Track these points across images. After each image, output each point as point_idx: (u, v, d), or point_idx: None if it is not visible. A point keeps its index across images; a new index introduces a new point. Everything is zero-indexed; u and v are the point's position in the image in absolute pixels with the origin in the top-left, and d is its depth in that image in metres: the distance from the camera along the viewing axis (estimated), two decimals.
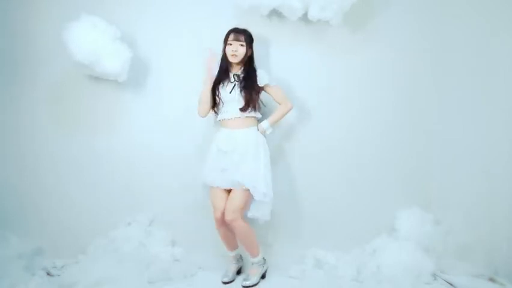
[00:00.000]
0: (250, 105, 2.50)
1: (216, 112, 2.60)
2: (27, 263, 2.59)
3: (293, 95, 2.79)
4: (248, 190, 2.43)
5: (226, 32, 2.53)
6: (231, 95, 2.50)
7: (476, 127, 2.72)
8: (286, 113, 2.64)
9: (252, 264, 2.57)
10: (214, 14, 2.77)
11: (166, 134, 2.84)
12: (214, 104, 2.57)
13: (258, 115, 2.59)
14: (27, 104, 2.84)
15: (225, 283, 2.53)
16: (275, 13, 2.72)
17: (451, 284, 2.50)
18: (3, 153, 2.84)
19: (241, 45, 2.50)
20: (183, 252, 2.76)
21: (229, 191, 2.50)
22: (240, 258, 2.69)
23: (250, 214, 2.54)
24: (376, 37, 2.81)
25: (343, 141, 2.85)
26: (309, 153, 2.85)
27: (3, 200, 2.82)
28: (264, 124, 2.57)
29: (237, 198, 2.44)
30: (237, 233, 2.50)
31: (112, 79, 2.68)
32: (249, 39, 2.54)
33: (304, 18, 2.66)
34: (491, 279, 2.53)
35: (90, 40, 2.50)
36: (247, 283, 2.49)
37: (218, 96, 2.53)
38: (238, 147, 2.46)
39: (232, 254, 2.63)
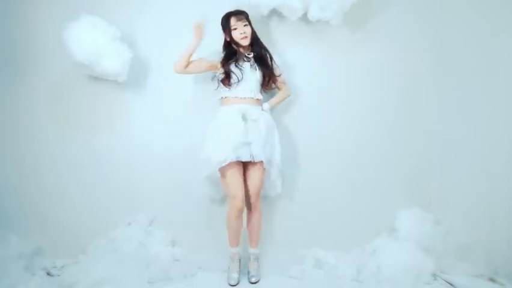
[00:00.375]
0: (269, 82, 2.56)
1: (226, 87, 2.50)
2: (27, 263, 2.59)
3: (293, 95, 2.79)
4: (264, 168, 2.44)
5: (222, 19, 2.52)
6: (250, 73, 2.51)
7: (476, 127, 2.72)
8: (285, 99, 2.70)
9: (252, 257, 2.58)
10: (214, 14, 2.76)
11: (166, 134, 2.84)
12: (226, 79, 2.48)
13: (261, 97, 2.60)
14: (27, 104, 2.84)
15: (234, 286, 2.47)
16: (275, 13, 2.72)
17: (451, 284, 2.50)
18: (3, 153, 2.83)
19: (245, 25, 2.50)
20: (183, 252, 2.75)
21: (242, 176, 2.45)
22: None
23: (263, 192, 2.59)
24: (376, 37, 2.81)
25: (343, 141, 2.85)
26: (309, 153, 2.85)
27: (3, 200, 2.81)
28: (265, 106, 2.58)
29: (259, 176, 2.46)
30: (257, 214, 2.53)
31: (112, 79, 2.68)
32: (248, 17, 2.55)
33: (304, 18, 2.66)
34: (491, 279, 2.53)
35: (90, 40, 2.49)
36: (255, 279, 2.49)
37: (235, 72, 2.47)
38: (259, 119, 2.45)
39: (236, 250, 2.57)
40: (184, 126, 2.83)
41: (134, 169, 2.85)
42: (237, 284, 2.49)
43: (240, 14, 2.51)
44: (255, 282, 2.49)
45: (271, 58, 2.59)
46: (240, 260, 2.60)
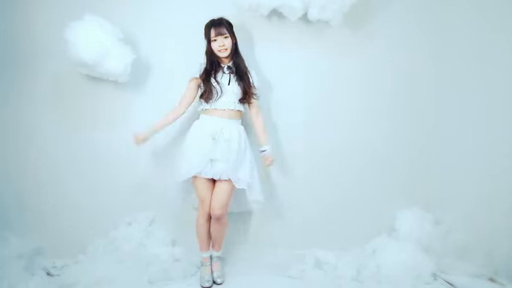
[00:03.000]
0: (248, 96, 2.51)
1: (205, 101, 2.50)
2: (27, 263, 2.58)
3: (292, 95, 2.79)
4: (230, 182, 2.42)
5: (204, 27, 2.50)
6: (230, 86, 2.50)
7: (476, 127, 2.72)
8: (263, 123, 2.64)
9: (217, 258, 2.60)
10: (214, 14, 2.76)
11: (166, 134, 2.84)
12: (205, 94, 2.47)
13: (243, 109, 2.58)
14: (28, 104, 2.83)
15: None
16: (275, 13, 2.72)
17: (451, 284, 2.50)
18: (3, 153, 2.83)
19: (226, 37, 2.48)
20: (183, 252, 2.75)
21: (212, 183, 2.48)
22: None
23: (242, 208, 2.62)
24: (376, 37, 2.81)
25: (343, 142, 2.85)
26: (308, 153, 2.85)
27: (3, 200, 2.81)
28: (269, 150, 2.56)
29: (225, 192, 2.45)
30: (221, 227, 2.52)
31: (113, 79, 2.68)
32: (230, 28, 2.51)
33: (304, 18, 2.66)
34: (491, 279, 2.53)
35: (98, 40, 2.49)
36: (221, 280, 2.53)
37: (215, 87, 2.46)
38: (233, 138, 2.45)
39: (207, 254, 2.59)
40: (184, 126, 2.82)
41: (135, 169, 2.85)
42: (211, 286, 2.50)
43: (220, 26, 2.47)
44: (220, 283, 2.51)
45: (248, 74, 2.56)
46: (211, 264, 2.60)
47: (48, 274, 2.59)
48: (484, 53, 2.69)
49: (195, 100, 2.60)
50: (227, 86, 2.49)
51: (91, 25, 2.52)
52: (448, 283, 2.51)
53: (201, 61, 2.57)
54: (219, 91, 2.47)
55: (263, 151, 2.58)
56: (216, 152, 2.42)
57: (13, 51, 2.81)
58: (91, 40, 2.48)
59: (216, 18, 2.52)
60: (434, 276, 2.57)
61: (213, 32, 2.47)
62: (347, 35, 2.80)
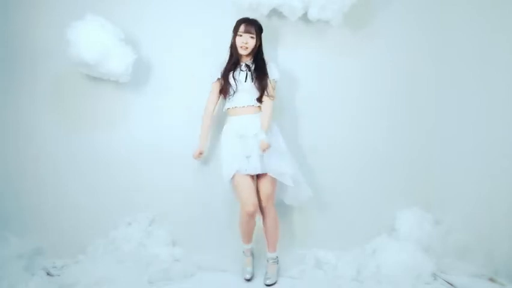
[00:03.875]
0: (265, 94, 2.53)
1: (224, 98, 2.59)
2: (27, 263, 2.59)
3: (293, 95, 2.79)
4: (274, 178, 2.45)
5: (236, 21, 2.54)
6: (246, 84, 2.52)
7: (476, 127, 2.72)
8: (271, 114, 2.60)
9: (270, 260, 2.58)
10: (214, 14, 2.77)
11: (166, 134, 2.84)
12: (223, 90, 2.56)
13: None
14: (28, 104, 2.84)
15: (249, 280, 2.52)
16: (275, 13, 2.72)
17: (451, 284, 2.50)
18: (3, 153, 2.83)
19: (252, 37, 2.51)
20: (183, 252, 2.75)
21: (253, 182, 2.50)
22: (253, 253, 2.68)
23: (287, 201, 2.64)
24: (376, 37, 2.81)
25: (343, 142, 2.85)
26: (308, 153, 2.85)
27: (3, 200, 2.81)
28: (262, 135, 2.46)
29: (269, 183, 2.48)
30: (270, 220, 2.54)
31: (113, 79, 2.68)
32: (259, 30, 2.55)
33: (304, 18, 2.66)
34: (491, 279, 2.53)
35: (100, 40, 2.50)
36: (270, 281, 2.50)
37: (231, 85, 2.52)
38: (260, 132, 2.46)
39: (249, 246, 2.63)
40: (184, 126, 2.82)
41: (135, 169, 2.85)
42: (251, 278, 2.54)
43: (251, 25, 2.51)
44: (270, 285, 2.50)
45: (267, 73, 2.56)
46: (253, 255, 2.65)
47: (48, 274, 2.59)
48: (484, 53, 2.69)
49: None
50: (243, 83, 2.53)
51: (93, 25, 2.52)
52: (448, 283, 2.51)
53: (221, 60, 2.59)
54: (234, 88, 2.51)
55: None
56: (247, 148, 2.46)
57: (13, 51, 2.81)
58: (93, 40, 2.48)
59: (250, 18, 2.55)
60: (434, 276, 2.57)
61: (242, 28, 2.51)
62: (347, 35, 2.80)
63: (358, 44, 2.82)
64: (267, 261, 2.60)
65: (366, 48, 2.82)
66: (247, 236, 2.60)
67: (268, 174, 2.46)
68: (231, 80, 2.53)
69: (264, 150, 2.42)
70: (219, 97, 2.64)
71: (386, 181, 2.85)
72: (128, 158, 2.84)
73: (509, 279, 2.47)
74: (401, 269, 2.51)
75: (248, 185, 2.47)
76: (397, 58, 2.82)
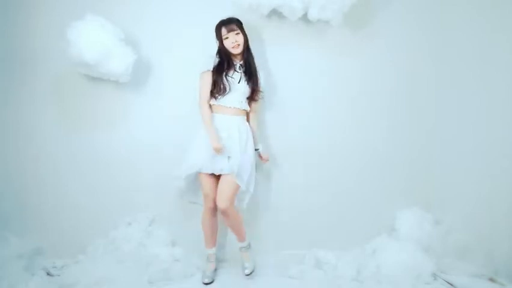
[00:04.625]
0: (253, 95, 2.56)
1: (214, 97, 2.53)
2: (27, 263, 2.59)
3: (293, 95, 2.79)
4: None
5: (214, 28, 2.53)
6: (239, 85, 2.53)
7: (476, 127, 2.72)
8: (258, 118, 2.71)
9: (242, 248, 2.60)
10: (214, 14, 2.76)
11: (166, 134, 2.84)
12: (215, 89, 2.51)
13: (248, 108, 2.61)
14: (28, 104, 2.83)
15: (207, 284, 2.51)
16: (275, 13, 2.72)
17: (451, 284, 2.50)
18: (3, 153, 2.83)
19: (237, 33, 2.51)
20: (183, 252, 2.75)
21: (217, 178, 2.51)
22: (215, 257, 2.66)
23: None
24: (376, 37, 2.81)
25: (343, 141, 2.85)
26: (308, 153, 2.85)
27: (3, 200, 2.81)
28: (261, 149, 2.66)
29: (230, 185, 2.46)
30: (230, 220, 2.52)
31: (114, 79, 2.68)
32: (240, 24, 2.55)
33: (304, 18, 2.66)
34: (491, 279, 2.53)
35: (100, 40, 2.49)
36: (248, 271, 2.53)
37: (224, 83, 2.50)
38: (234, 134, 2.48)
39: (212, 251, 2.63)
40: (184, 126, 2.82)
41: (135, 169, 2.85)
42: (211, 282, 2.53)
43: (231, 23, 2.51)
44: (249, 274, 2.52)
45: (257, 72, 2.59)
46: (215, 261, 2.64)
47: (48, 274, 2.59)
48: (484, 53, 2.69)
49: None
50: (237, 84, 2.53)
51: (93, 25, 2.52)
52: (448, 283, 2.51)
53: (212, 54, 2.58)
54: (227, 88, 2.50)
55: (257, 149, 2.64)
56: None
57: (13, 51, 2.81)
58: (93, 40, 2.48)
59: (224, 18, 2.55)
60: (434, 276, 2.57)
61: (224, 30, 2.50)
62: (347, 35, 2.80)
63: (358, 44, 2.82)
64: (240, 250, 2.61)
65: (366, 48, 2.82)
66: (210, 236, 2.60)
67: (231, 175, 2.44)
68: (225, 80, 2.51)
69: (265, 162, 2.65)
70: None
71: (386, 181, 2.85)
72: (128, 158, 2.84)
73: (509, 279, 2.47)
74: (401, 269, 2.51)
75: (210, 181, 2.50)
76: (397, 58, 2.82)
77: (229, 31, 2.50)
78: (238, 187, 2.49)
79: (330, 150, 2.85)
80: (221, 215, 2.54)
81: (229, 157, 2.46)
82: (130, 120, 2.86)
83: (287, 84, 2.81)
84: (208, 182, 2.50)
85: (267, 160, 2.69)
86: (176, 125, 2.84)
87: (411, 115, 2.84)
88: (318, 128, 2.85)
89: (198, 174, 2.52)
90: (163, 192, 2.84)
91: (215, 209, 2.55)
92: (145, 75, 2.84)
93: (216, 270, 2.63)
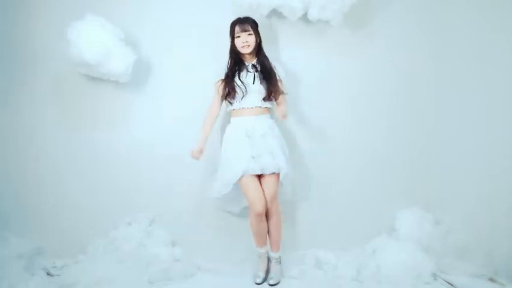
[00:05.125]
0: (272, 95, 2.52)
1: (230, 102, 2.54)
2: (27, 263, 2.59)
3: (293, 95, 2.79)
4: (277, 174, 2.46)
5: (229, 25, 2.52)
6: (254, 85, 2.51)
7: (476, 127, 2.72)
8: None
9: (274, 259, 2.59)
10: (214, 14, 2.77)
11: (166, 134, 2.84)
12: (229, 94, 2.50)
13: (270, 105, 2.60)
14: (28, 104, 2.84)
15: (259, 284, 2.51)
16: (275, 13, 2.72)
17: (451, 284, 2.49)
18: (3, 153, 2.83)
19: (250, 34, 2.50)
20: (183, 252, 2.75)
21: (259, 182, 2.49)
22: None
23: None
24: (376, 37, 2.81)
25: (343, 142, 2.85)
26: (308, 153, 2.85)
27: (3, 200, 2.81)
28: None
29: (274, 183, 2.47)
30: (275, 220, 2.53)
31: (113, 79, 2.68)
32: (255, 26, 2.54)
33: (304, 18, 2.66)
34: (491, 279, 2.52)
35: (100, 40, 2.50)
36: (273, 281, 2.51)
37: (239, 86, 2.48)
38: (266, 132, 2.48)
39: (264, 250, 2.60)
40: (184, 126, 2.82)
41: (135, 169, 2.85)
42: (262, 282, 2.52)
43: (246, 23, 2.49)
44: (273, 285, 2.50)
45: (274, 72, 2.56)
46: (268, 260, 2.62)
47: (48, 274, 2.59)
48: (484, 53, 2.69)
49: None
50: (252, 85, 2.51)
51: (93, 25, 2.52)
52: (448, 283, 2.51)
53: (226, 62, 2.57)
54: (244, 91, 2.49)
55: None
56: (254, 148, 2.44)
57: (13, 51, 2.81)
58: (93, 40, 2.48)
59: (241, 17, 2.54)
60: (434, 276, 2.56)
61: (237, 29, 2.49)
62: (347, 35, 2.80)
63: (358, 44, 2.82)
64: (270, 260, 2.60)
65: (366, 48, 2.82)
66: (261, 237, 2.56)
67: (275, 174, 2.46)
68: (239, 83, 2.49)
69: (284, 117, 2.41)
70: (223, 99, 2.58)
71: (386, 181, 2.85)
72: (128, 158, 2.85)
73: (509, 279, 2.47)
74: (401, 269, 2.51)
75: (256, 185, 2.46)
76: (397, 58, 2.82)
77: (242, 30, 2.49)
78: (278, 185, 2.50)
79: (330, 150, 2.85)
80: (269, 215, 2.52)
81: (271, 154, 2.44)
82: (130, 120, 2.86)
83: (287, 84, 2.80)
84: (253, 187, 2.44)
85: (284, 117, 2.45)
86: (176, 125, 2.84)
87: (411, 115, 2.84)
88: (318, 129, 2.85)
89: (240, 183, 2.45)
90: (163, 192, 2.84)
91: (262, 213, 2.47)
92: (145, 75, 2.84)
93: (267, 269, 2.60)
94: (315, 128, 2.85)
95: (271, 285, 2.50)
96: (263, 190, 2.48)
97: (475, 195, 2.68)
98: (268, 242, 2.61)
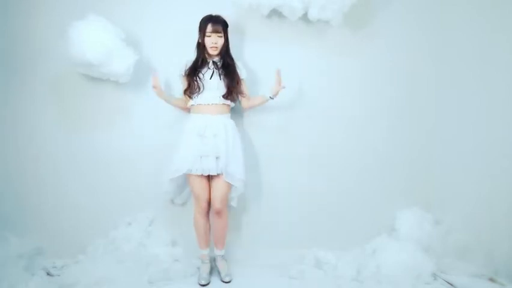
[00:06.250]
0: (232, 92, 2.54)
1: (190, 97, 2.57)
2: (27, 263, 2.58)
3: (293, 95, 2.79)
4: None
5: (200, 19, 2.53)
6: (212, 81, 2.52)
7: (476, 127, 2.72)
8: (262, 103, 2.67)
9: (220, 257, 2.62)
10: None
11: (166, 134, 2.84)
12: (188, 89, 2.55)
13: (232, 104, 2.61)
14: (28, 103, 2.83)
15: (204, 286, 2.49)
16: (275, 13, 2.72)
17: (451, 284, 2.50)
18: (3, 153, 2.83)
19: (220, 36, 2.51)
20: (183, 252, 2.75)
21: (207, 179, 2.51)
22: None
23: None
24: (376, 37, 2.81)
25: (343, 141, 2.85)
26: (308, 153, 2.85)
27: (3, 200, 2.81)
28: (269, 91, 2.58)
29: (223, 185, 2.47)
30: (221, 222, 2.55)
31: (114, 79, 2.68)
32: (226, 28, 2.55)
33: (304, 18, 2.66)
34: (491, 279, 2.53)
35: (102, 40, 2.49)
36: (229, 278, 2.53)
37: (197, 81, 2.51)
38: (219, 133, 2.47)
39: (206, 252, 2.62)
40: (184, 126, 2.82)
41: (135, 169, 2.85)
42: (208, 283, 2.51)
43: (218, 24, 2.50)
44: (228, 282, 2.52)
45: (235, 70, 2.59)
46: (210, 261, 2.63)
47: (48, 274, 2.59)
48: (484, 53, 2.69)
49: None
50: (209, 81, 2.52)
51: (95, 25, 2.52)
52: (448, 283, 2.51)
53: (188, 58, 2.60)
54: (201, 86, 2.51)
55: (271, 97, 2.59)
56: (204, 148, 2.45)
57: (13, 51, 2.81)
58: (95, 40, 2.48)
59: (214, 14, 2.54)
60: (434, 276, 2.57)
61: (209, 28, 2.49)
62: (347, 35, 2.80)
63: (358, 44, 2.82)
64: (216, 259, 2.63)
65: (366, 48, 2.82)
66: (204, 237, 2.59)
67: (225, 179, 2.46)
68: (196, 78, 2.52)
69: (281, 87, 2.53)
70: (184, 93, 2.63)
71: (386, 181, 2.85)
72: (128, 158, 2.84)
73: (509, 279, 2.47)
74: (401, 269, 2.51)
75: (201, 184, 2.49)
76: (397, 58, 2.82)
77: (213, 31, 2.49)
78: (230, 186, 2.50)
79: (330, 150, 2.85)
80: (214, 216, 2.54)
81: (217, 157, 2.45)
82: (130, 120, 2.85)
83: (287, 84, 2.80)
84: (198, 183, 2.49)
85: (281, 86, 2.54)
86: (176, 125, 2.83)
87: (411, 115, 2.84)
88: (318, 128, 2.85)
89: (186, 176, 2.51)
90: (163, 192, 2.83)
91: (207, 209, 2.56)
92: (145, 75, 2.83)
93: (211, 271, 2.62)
94: (314, 127, 2.85)
95: (227, 282, 2.51)
96: (213, 192, 2.51)
97: (475, 195, 2.68)
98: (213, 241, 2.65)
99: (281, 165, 2.85)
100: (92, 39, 2.47)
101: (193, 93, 2.53)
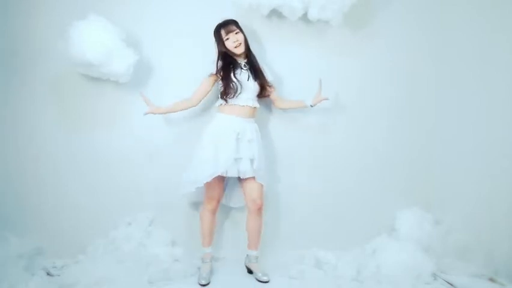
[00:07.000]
0: (264, 90, 2.59)
1: (225, 99, 2.52)
2: (27, 263, 2.58)
3: (293, 96, 2.79)
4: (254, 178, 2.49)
5: (213, 32, 2.55)
6: (249, 82, 2.53)
7: (476, 127, 2.72)
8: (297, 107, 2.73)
9: (254, 258, 2.60)
10: (214, 14, 2.76)
11: (166, 134, 2.84)
12: (226, 91, 2.50)
13: (258, 105, 2.62)
14: (28, 103, 2.83)
15: (204, 285, 2.47)
16: (275, 13, 2.72)
17: (451, 284, 2.50)
18: (3, 153, 2.83)
19: (237, 33, 2.52)
20: (183, 252, 2.75)
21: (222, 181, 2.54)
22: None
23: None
24: (376, 37, 2.82)
25: (343, 141, 2.85)
26: (308, 153, 2.85)
27: (3, 200, 2.81)
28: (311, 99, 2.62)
29: (258, 185, 2.51)
30: (259, 220, 2.57)
31: (114, 79, 2.68)
32: (237, 24, 2.56)
33: (304, 18, 2.66)
34: (491, 279, 2.53)
35: (103, 40, 2.49)
36: (267, 278, 2.51)
37: (235, 83, 2.49)
38: (253, 137, 2.51)
39: (209, 250, 2.61)
40: (184, 126, 2.82)
41: (135, 169, 2.85)
42: (208, 283, 2.49)
43: (229, 24, 2.52)
44: (267, 281, 2.51)
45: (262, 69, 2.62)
46: (211, 261, 2.62)
47: (48, 274, 2.59)
48: (484, 53, 2.69)
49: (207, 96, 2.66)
50: (246, 82, 2.53)
51: (95, 25, 2.51)
52: (448, 283, 2.51)
53: (213, 59, 2.58)
54: (239, 87, 2.50)
55: (312, 105, 2.63)
56: (239, 151, 2.46)
57: (13, 51, 2.81)
58: (95, 40, 2.47)
59: (221, 21, 2.56)
60: (434, 276, 2.57)
61: (223, 32, 2.52)
62: (347, 35, 2.80)
63: (358, 44, 2.82)
64: (250, 260, 2.61)
65: (366, 48, 2.83)
66: (209, 235, 2.60)
67: (257, 180, 2.49)
68: (235, 80, 2.49)
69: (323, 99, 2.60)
70: (208, 92, 2.62)
71: (386, 181, 2.85)
72: (128, 158, 2.84)
73: (509, 279, 2.48)
74: (401, 269, 2.51)
75: (219, 184, 2.53)
76: (397, 58, 2.82)
77: (228, 32, 2.51)
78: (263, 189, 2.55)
79: (330, 150, 2.85)
80: (253, 215, 2.55)
81: (251, 160, 2.47)
82: (130, 120, 2.85)
83: (287, 84, 2.81)
84: (217, 184, 2.50)
85: (324, 98, 2.61)
86: (176, 125, 2.84)
87: (411, 115, 2.85)
88: (318, 128, 2.85)
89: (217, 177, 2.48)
90: (163, 192, 2.84)
91: (217, 208, 2.59)
92: (145, 75, 2.83)
93: (211, 271, 2.60)
94: (314, 127, 2.85)
95: (267, 281, 2.50)
96: (247, 194, 2.54)
97: (475, 195, 2.68)
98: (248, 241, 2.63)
99: (281, 166, 2.85)
100: (92, 39, 2.47)
101: (229, 95, 2.50)
